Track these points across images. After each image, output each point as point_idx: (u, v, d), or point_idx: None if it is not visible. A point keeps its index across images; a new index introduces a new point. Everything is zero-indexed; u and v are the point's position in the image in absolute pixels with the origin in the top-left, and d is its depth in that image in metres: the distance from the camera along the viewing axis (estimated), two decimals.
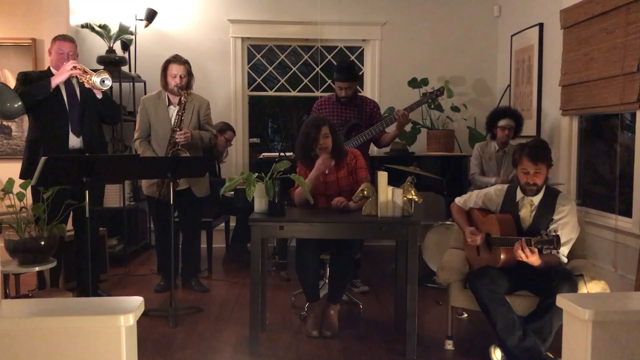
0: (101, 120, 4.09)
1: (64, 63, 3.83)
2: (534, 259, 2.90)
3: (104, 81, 3.70)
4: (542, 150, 3.11)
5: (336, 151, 3.66)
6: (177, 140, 4.07)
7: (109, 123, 4.40)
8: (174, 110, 4.21)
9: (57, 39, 3.95)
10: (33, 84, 3.76)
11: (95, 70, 3.85)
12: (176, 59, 4.17)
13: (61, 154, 3.72)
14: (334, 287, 3.59)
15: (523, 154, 3.10)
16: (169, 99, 4.23)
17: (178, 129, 4.09)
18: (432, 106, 5.04)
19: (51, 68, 3.95)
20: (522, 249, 2.88)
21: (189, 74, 4.21)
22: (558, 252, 2.94)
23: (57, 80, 3.77)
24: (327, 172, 3.69)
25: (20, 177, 3.76)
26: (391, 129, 4.52)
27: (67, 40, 3.94)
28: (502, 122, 4.67)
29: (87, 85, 3.77)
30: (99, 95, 3.87)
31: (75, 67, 3.75)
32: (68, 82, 3.88)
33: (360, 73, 6.15)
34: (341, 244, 3.54)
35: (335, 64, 6.11)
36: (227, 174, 5.49)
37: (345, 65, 4.52)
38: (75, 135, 3.90)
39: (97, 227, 4.23)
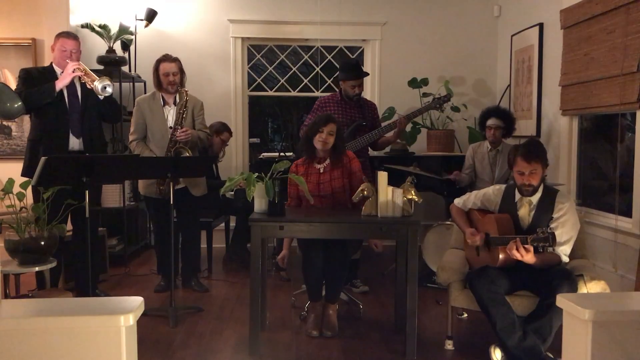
0: (101, 118, 4.10)
1: (66, 60, 3.84)
2: (529, 257, 2.91)
3: (105, 88, 3.69)
4: (536, 150, 3.10)
5: (335, 152, 3.68)
6: (177, 138, 4.08)
7: (109, 121, 4.40)
8: (169, 110, 4.21)
9: (60, 35, 3.94)
10: (38, 87, 3.75)
11: (96, 71, 3.84)
12: (166, 58, 4.19)
13: (61, 154, 3.71)
14: (329, 286, 3.59)
15: (517, 155, 3.09)
16: (163, 99, 4.23)
17: (179, 127, 4.10)
18: (441, 110, 5.07)
19: (54, 65, 3.96)
20: (517, 248, 2.89)
21: (181, 71, 4.21)
22: (554, 250, 2.94)
23: (61, 84, 3.79)
24: (321, 171, 3.70)
25: (22, 175, 3.76)
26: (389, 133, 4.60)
27: (70, 38, 3.93)
28: (489, 122, 4.70)
29: (89, 86, 3.77)
30: (101, 97, 3.87)
31: (76, 70, 3.75)
32: (69, 83, 3.87)
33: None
34: (336, 242, 3.54)
35: (338, 65, 6.13)
36: (227, 174, 5.48)
37: (353, 63, 4.56)
38: (75, 137, 3.90)
39: (95, 227, 4.23)
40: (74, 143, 3.90)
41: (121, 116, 4.26)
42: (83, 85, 3.88)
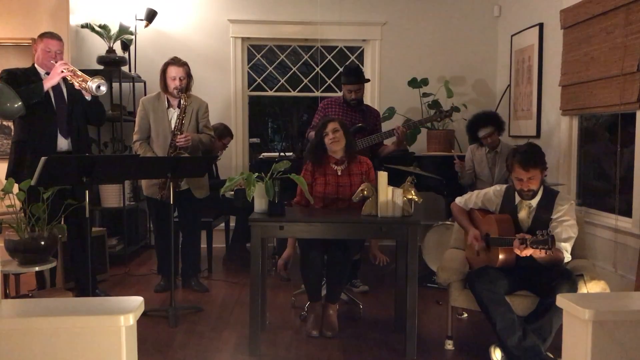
0: (86, 120, 4.06)
1: (50, 62, 3.79)
2: (533, 251, 2.89)
3: (99, 87, 3.64)
4: (533, 156, 3.07)
5: (348, 149, 3.70)
6: (177, 144, 4.07)
7: (93, 124, 4.37)
8: (173, 113, 4.20)
9: (44, 36, 3.87)
10: (26, 87, 3.68)
11: (85, 72, 3.82)
12: (175, 61, 4.16)
13: (53, 155, 3.69)
14: (331, 286, 3.60)
15: (515, 161, 3.07)
16: (168, 101, 4.22)
17: (179, 133, 4.09)
18: (440, 122, 5.10)
19: (36, 65, 3.88)
20: (519, 249, 2.89)
21: (188, 76, 4.20)
22: (553, 252, 2.93)
23: (49, 84, 3.73)
24: (339, 173, 3.70)
25: (6, 178, 3.69)
26: (389, 141, 4.62)
27: (54, 39, 3.86)
28: (481, 134, 4.59)
29: (77, 87, 3.72)
30: (88, 97, 3.84)
31: (64, 70, 3.71)
32: (55, 83, 3.81)
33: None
34: (338, 242, 3.54)
35: (338, 65, 6.17)
36: (227, 174, 5.49)
37: (354, 67, 4.70)
38: (63, 137, 3.86)
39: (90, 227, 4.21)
40: (62, 143, 3.86)
41: (105, 119, 4.25)
42: (69, 85, 3.82)
